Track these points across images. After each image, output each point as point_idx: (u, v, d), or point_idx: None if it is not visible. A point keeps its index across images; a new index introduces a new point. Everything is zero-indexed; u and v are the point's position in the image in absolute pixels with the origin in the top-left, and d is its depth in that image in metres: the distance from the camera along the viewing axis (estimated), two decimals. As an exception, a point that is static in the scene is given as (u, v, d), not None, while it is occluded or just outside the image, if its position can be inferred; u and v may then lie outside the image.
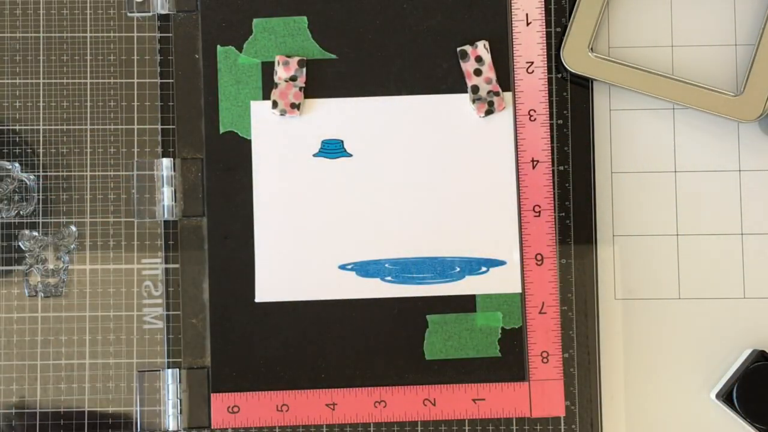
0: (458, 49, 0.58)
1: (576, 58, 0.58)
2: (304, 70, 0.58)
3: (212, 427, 0.57)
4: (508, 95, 0.58)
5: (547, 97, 0.58)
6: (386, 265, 0.58)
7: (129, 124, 0.59)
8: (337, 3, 0.59)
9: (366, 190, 0.58)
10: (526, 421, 0.57)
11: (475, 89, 0.58)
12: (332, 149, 0.58)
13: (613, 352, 0.58)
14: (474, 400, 0.57)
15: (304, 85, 0.58)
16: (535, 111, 0.58)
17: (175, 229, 0.58)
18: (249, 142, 0.58)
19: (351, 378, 0.57)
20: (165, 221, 0.58)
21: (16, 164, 0.58)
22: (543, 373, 0.57)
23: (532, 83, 0.58)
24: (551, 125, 0.58)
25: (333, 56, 0.59)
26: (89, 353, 0.58)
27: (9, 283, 0.58)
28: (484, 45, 0.58)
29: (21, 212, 0.58)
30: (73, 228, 0.58)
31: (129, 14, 0.59)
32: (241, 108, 0.58)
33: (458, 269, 0.58)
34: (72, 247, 0.58)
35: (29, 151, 0.59)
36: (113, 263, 0.58)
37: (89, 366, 0.58)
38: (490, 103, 0.58)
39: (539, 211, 0.58)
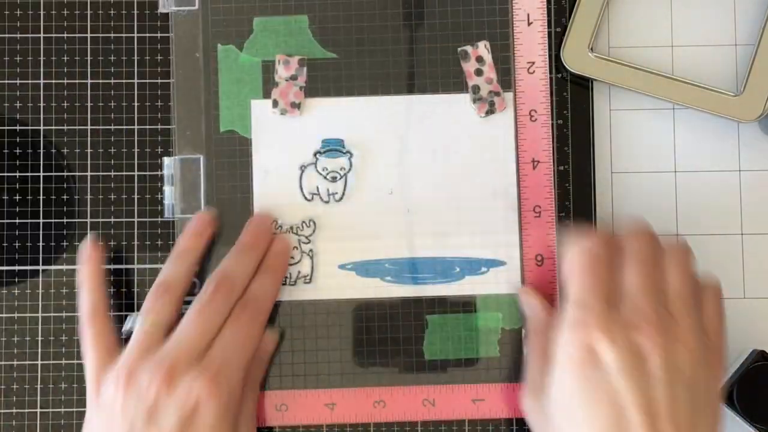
0: (459, 49, 0.58)
1: (576, 58, 0.58)
2: (305, 69, 0.58)
3: (212, 427, 0.57)
4: (508, 95, 0.58)
5: (548, 98, 0.58)
6: (386, 265, 0.58)
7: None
8: (337, 2, 0.59)
9: (366, 189, 0.58)
10: (526, 421, 0.57)
11: (476, 89, 0.58)
12: (332, 149, 0.58)
13: (613, 352, 0.58)
14: (474, 400, 0.57)
15: (304, 84, 0.58)
16: (536, 111, 0.58)
17: (175, 228, 0.58)
18: (249, 141, 0.58)
19: (350, 378, 0.57)
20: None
21: None
22: (543, 373, 0.57)
23: (533, 83, 0.58)
24: (551, 125, 0.58)
25: (333, 55, 0.59)
26: (89, 353, 0.58)
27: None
28: (485, 45, 0.58)
29: None
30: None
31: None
32: (241, 107, 0.58)
33: (458, 269, 0.58)
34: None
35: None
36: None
37: (89, 366, 0.58)
38: (491, 103, 0.58)
39: (539, 212, 0.58)
